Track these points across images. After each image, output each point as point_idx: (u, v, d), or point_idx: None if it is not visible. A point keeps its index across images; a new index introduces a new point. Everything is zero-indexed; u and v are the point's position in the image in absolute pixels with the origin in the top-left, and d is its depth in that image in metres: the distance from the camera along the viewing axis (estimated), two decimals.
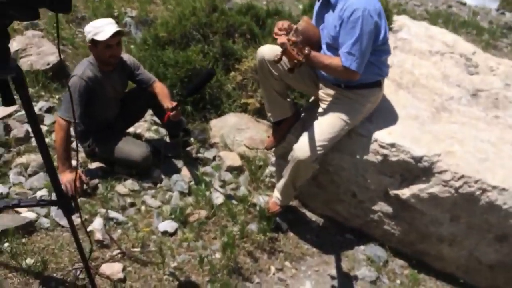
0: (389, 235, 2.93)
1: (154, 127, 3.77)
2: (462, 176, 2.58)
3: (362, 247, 2.98)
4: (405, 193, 2.72)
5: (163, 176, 3.21)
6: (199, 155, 3.52)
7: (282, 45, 2.20)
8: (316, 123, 2.65)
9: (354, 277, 2.79)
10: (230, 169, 3.36)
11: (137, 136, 3.53)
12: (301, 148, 2.59)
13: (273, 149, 3.10)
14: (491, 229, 2.64)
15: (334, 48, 2.55)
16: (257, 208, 2.99)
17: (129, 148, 3.10)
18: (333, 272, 2.80)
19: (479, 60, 3.83)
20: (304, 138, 2.61)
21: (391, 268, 2.91)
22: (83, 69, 2.93)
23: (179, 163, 3.36)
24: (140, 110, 3.40)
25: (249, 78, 4.01)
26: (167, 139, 3.54)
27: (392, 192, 2.76)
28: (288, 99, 2.97)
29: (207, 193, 3.01)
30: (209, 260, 2.54)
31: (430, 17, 10.30)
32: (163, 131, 3.70)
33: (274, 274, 2.67)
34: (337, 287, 2.74)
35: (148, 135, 3.68)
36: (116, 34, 2.88)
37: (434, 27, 4.32)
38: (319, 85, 2.77)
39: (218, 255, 2.64)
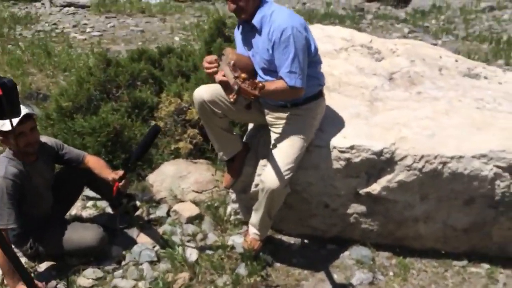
0: (367, 233, 2.97)
1: (90, 202, 3.44)
2: (422, 157, 2.69)
3: (347, 253, 2.98)
4: (375, 188, 2.77)
5: (123, 252, 2.93)
6: (151, 216, 3.28)
7: (231, 85, 2.12)
8: (275, 149, 2.60)
9: (352, 285, 2.78)
10: (190, 219, 3.18)
11: (77, 219, 3.19)
12: (270, 177, 2.52)
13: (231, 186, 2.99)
14: (458, 196, 2.79)
15: (271, 71, 2.53)
16: (236, 250, 2.86)
17: (79, 235, 2.79)
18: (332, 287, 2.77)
19: (378, 46, 4.08)
20: (269, 167, 2.55)
21: (379, 263, 2.94)
22: (4, 167, 2.57)
23: (134, 232, 3.10)
24: (76, 191, 3.09)
25: (172, 122, 3.85)
26: (111, 211, 3.26)
27: (362, 191, 2.80)
28: (234, 133, 2.89)
29: (180, 252, 2.81)
30: None
31: None
32: (101, 203, 3.40)
33: None
34: None
35: (86, 213, 3.35)
36: (26, 119, 2.57)
37: (327, 27, 4.53)
38: (264, 111, 2.72)
39: None
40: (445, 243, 2.99)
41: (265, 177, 2.55)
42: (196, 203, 3.34)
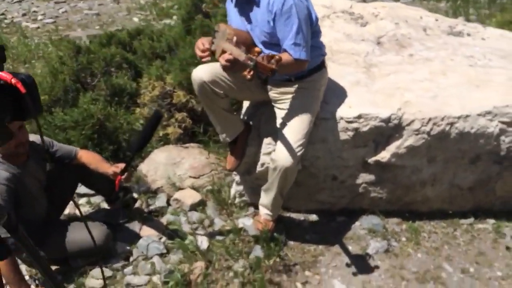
0: (376, 201, 2.95)
1: (83, 200, 3.26)
2: (429, 119, 2.67)
3: (358, 223, 2.95)
4: (384, 156, 2.73)
5: (128, 247, 2.80)
6: (151, 207, 3.14)
7: (243, 61, 1.99)
8: (283, 126, 2.49)
9: (369, 255, 2.76)
10: (193, 206, 3.06)
11: (73, 218, 3.01)
12: (282, 156, 2.43)
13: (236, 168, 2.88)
14: (465, 155, 2.79)
15: (273, 44, 2.41)
16: (247, 233, 2.78)
17: (82, 236, 2.61)
18: (348, 260, 2.73)
19: (360, 11, 4.01)
20: (280, 145, 2.45)
21: (391, 229, 2.93)
22: None
23: (136, 226, 2.96)
24: (71, 189, 2.89)
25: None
26: (107, 206, 3.10)
27: (371, 160, 2.76)
28: (235, 113, 2.77)
29: (191, 240, 2.71)
30: None
31: None
32: (95, 200, 3.22)
33: None
34: (359, 271, 2.68)
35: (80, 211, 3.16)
36: None
37: None
38: (267, 87, 2.61)
39: None
40: (451, 203, 3.01)
41: (277, 155, 2.45)
42: (195, 189, 3.21)
